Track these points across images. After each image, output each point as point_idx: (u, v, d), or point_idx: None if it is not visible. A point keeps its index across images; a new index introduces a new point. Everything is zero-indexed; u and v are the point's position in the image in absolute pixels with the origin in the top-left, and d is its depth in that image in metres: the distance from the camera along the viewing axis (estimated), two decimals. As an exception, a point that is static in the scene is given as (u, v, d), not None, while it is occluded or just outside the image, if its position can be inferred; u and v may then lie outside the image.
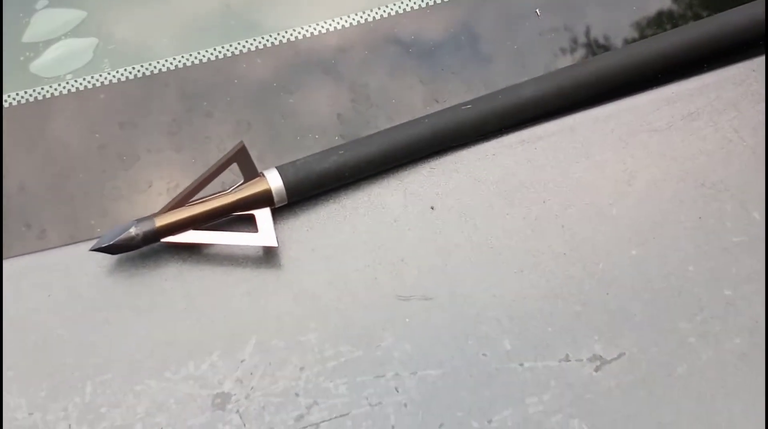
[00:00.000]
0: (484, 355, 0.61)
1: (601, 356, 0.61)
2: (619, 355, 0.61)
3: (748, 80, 0.72)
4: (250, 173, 0.63)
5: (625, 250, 0.65)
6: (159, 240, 0.62)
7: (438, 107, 0.69)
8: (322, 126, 0.69)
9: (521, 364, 0.60)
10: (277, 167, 0.64)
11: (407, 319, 0.62)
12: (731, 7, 0.72)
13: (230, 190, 0.63)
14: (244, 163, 0.63)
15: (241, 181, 0.64)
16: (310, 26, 0.72)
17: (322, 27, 0.72)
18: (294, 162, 0.64)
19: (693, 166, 0.68)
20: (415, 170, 0.67)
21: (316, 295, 0.63)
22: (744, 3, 0.73)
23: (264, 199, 0.63)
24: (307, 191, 0.65)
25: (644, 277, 0.63)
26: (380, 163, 0.66)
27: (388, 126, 0.68)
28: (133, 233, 0.61)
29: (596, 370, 0.60)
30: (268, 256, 0.64)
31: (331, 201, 0.66)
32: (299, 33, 0.72)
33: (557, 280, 0.63)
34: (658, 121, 0.70)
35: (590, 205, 0.66)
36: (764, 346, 0.61)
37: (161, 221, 0.62)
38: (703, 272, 0.64)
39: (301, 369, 0.60)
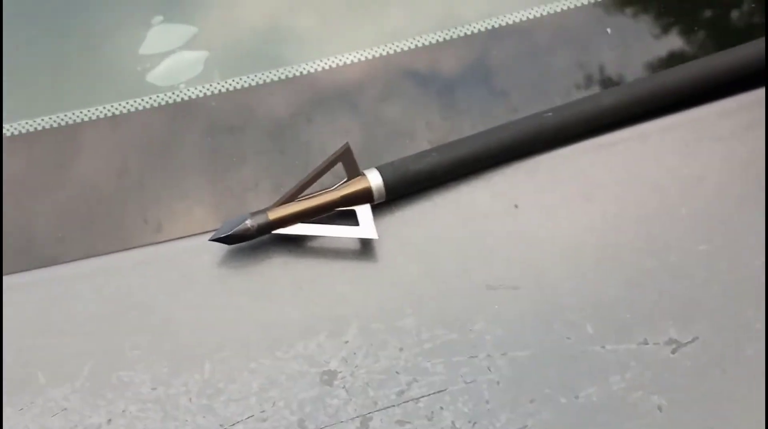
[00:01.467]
0: (568, 338, 0.66)
1: (676, 340, 0.66)
2: (693, 339, 0.66)
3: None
4: (353, 172, 0.69)
5: (695, 245, 0.70)
6: (271, 231, 0.68)
7: (518, 115, 0.75)
8: (412, 132, 0.75)
9: (603, 347, 0.66)
10: (377, 167, 0.70)
11: (496, 306, 0.68)
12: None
13: (334, 188, 0.69)
14: (348, 162, 0.69)
15: (344, 179, 0.70)
16: (399, 42, 0.78)
17: (411, 43, 0.78)
18: (392, 162, 0.70)
19: (754, 169, 0.74)
20: (500, 171, 0.73)
21: (411, 283, 0.69)
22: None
23: (365, 196, 0.69)
24: (403, 189, 0.71)
25: (713, 270, 0.69)
26: (470, 164, 0.72)
27: (471, 133, 0.74)
28: (248, 225, 0.67)
29: (673, 352, 0.65)
30: (367, 248, 0.70)
31: (424, 199, 0.72)
32: (390, 48, 0.78)
33: (634, 271, 0.69)
34: (721, 130, 0.75)
35: (662, 205, 0.72)
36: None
37: (274, 214, 0.68)
38: (768, 265, 0.69)
39: (401, 350, 0.66)
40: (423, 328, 0.67)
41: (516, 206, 0.72)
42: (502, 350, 0.66)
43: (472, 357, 0.66)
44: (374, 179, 0.69)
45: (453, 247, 0.70)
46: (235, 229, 0.67)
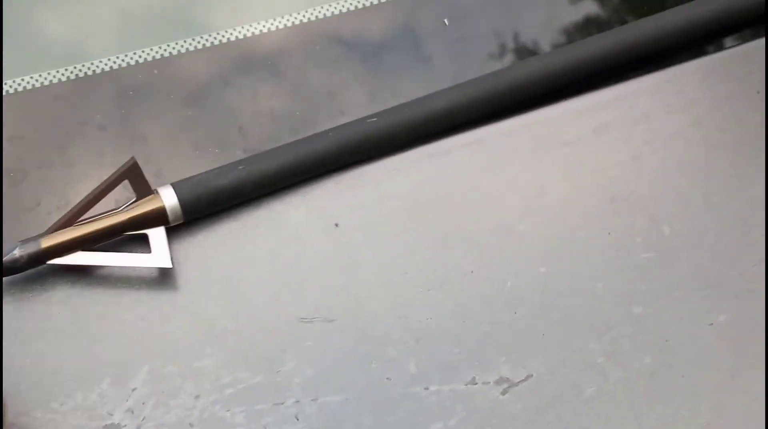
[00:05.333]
0: (388, 379, 0.59)
1: (508, 378, 0.59)
2: (527, 377, 0.59)
3: (660, 91, 0.71)
4: (143, 190, 0.60)
5: (534, 267, 0.63)
6: (45, 262, 0.59)
7: (344, 120, 0.66)
8: (223, 140, 0.66)
9: (426, 388, 0.58)
10: (172, 184, 0.61)
11: (309, 343, 0.60)
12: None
13: (122, 209, 0.60)
14: (136, 179, 0.60)
15: (134, 199, 0.61)
16: (210, 35, 0.69)
17: (224, 36, 0.69)
18: (191, 178, 0.62)
19: (603, 179, 0.67)
20: (318, 185, 0.65)
21: (212, 318, 0.60)
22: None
23: (158, 218, 0.60)
24: (205, 209, 0.62)
25: (553, 295, 0.62)
26: (283, 178, 0.63)
27: (291, 139, 0.65)
28: (17, 255, 0.58)
29: (503, 393, 0.58)
30: (163, 277, 0.61)
31: (230, 219, 0.63)
32: (199, 43, 0.69)
33: (465, 299, 0.61)
34: (568, 134, 0.68)
35: (499, 221, 0.65)
36: (675, 366, 0.60)
37: (47, 242, 0.58)
38: (613, 289, 0.62)
39: (196, 397, 0.57)
40: (224, 370, 0.58)
41: (336, 225, 0.64)
42: (312, 395, 0.58)
43: (277, 404, 0.58)
44: (168, 198, 0.60)
45: (262, 275, 0.62)
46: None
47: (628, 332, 0.61)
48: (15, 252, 0.58)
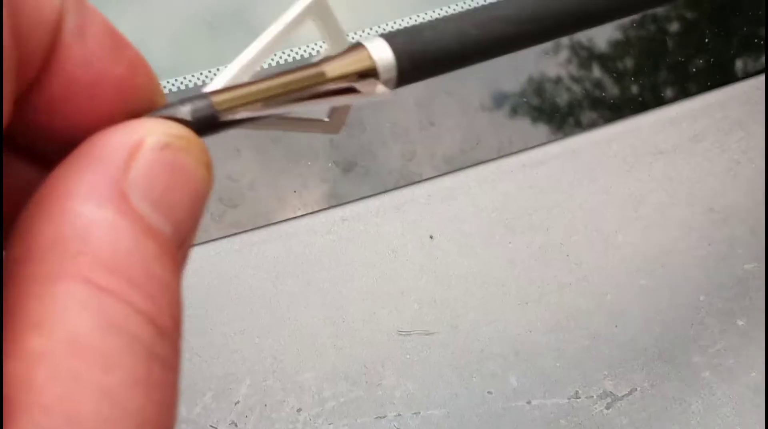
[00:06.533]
0: (489, 393, 0.58)
1: (611, 392, 0.58)
2: (631, 392, 0.58)
3: (753, 99, 0.70)
4: (337, 40, 0.35)
5: (634, 279, 0.62)
6: (214, 130, 0.36)
7: None
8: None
9: (528, 402, 0.58)
10: (382, 35, 0.41)
11: (408, 356, 0.59)
12: None
13: (314, 63, 0.32)
14: (326, 20, 0.33)
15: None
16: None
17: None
18: (401, 30, 0.38)
19: (701, 189, 0.66)
20: (412, 198, 0.64)
21: (313, 331, 0.60)
22: None
23: (363, 82, 0.39)
24: (424, 72, 0.39)
25: (654, 309, 0.61)
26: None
27: None
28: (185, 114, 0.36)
29: (607, 407, 0.58)
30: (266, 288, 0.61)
31: (324, 231, 0.63)
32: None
33: (564, 312, 0.61)
34: (662, 143, 0.67)
35: (596, 233, 0.64)
36: (781, 380, 0.59)
37: (220, 99, 0.31)
38: (716, 302, 0.61)
39: (299, 411, 0.57)
40: (325, 384, 0.58)
41: (431, 237, 0.63)
42: (414, 408, 0.58)
43: (379, 417, 0.57)
44: (381, 51, 0.39)
45: (359, 288, 0.62)
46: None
47: (733, 345, 0.60)
48: (181, 109, 0.34)
